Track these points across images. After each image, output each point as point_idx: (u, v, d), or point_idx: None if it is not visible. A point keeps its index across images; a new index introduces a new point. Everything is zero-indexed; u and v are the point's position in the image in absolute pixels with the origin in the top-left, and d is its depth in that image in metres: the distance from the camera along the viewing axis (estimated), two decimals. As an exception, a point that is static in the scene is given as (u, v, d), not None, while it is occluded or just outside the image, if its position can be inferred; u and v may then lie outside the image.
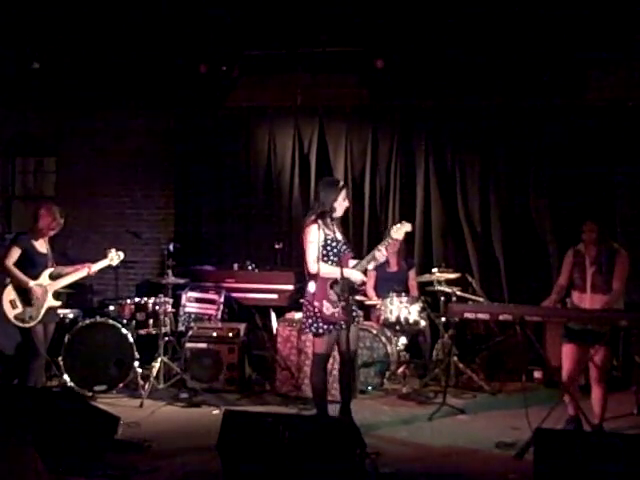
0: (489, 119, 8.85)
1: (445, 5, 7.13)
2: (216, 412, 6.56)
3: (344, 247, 5.87)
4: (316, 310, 5.73)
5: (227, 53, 8.59)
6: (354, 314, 5.90)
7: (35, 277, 6.62)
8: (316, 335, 5.80)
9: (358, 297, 6.14)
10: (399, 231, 5.93)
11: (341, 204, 5.85)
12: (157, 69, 8.72)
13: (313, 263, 5.71)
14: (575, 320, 5.70)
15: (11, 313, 6.51)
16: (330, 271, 5.70)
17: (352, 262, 5.94)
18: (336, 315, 5.69)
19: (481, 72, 8.31)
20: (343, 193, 5.86)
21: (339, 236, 5.89)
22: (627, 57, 7.99)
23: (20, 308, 6.53)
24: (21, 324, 6.51)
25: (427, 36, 7.81)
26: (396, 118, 9.16)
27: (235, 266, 8.72)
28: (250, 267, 8.60)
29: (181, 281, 7.85)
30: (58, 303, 6.84)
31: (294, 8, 7.18)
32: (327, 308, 5.70)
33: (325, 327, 5.72)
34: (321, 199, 5.84)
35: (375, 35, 7.91)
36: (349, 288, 5.72)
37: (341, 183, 6.02)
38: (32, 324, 6.53)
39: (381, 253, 5.79)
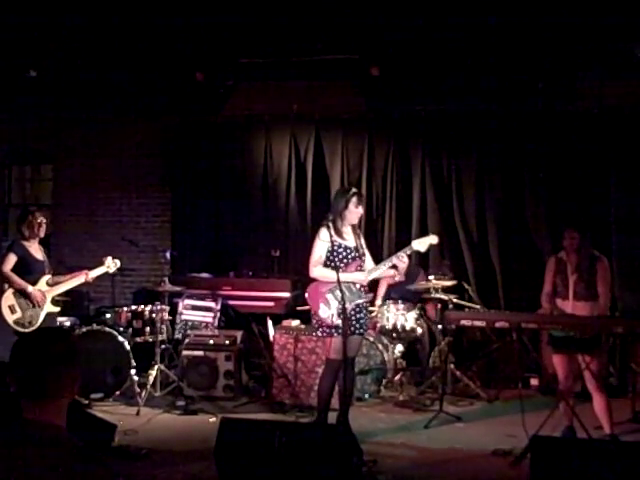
0: (485, 126, 8.87)
1: (440, 12, 7.14)
2: (213, 420, 6.56)
3: (353, 254, 5.89)
4: (314, 314, 5.83)
5: (223, 61, 8.60)
6: (361, 322, 5.89)
7: (33, 283, 6.65)
8: (322, 338, 5.89)
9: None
10: (422, 243, 5.93)
11: (352, 211, 5.88)
12: (153, 77, 8.73)
13: (311, 266, 5.83)
14: (570, 327, 5.70)
15: (10, 318, 6.54)
16: (325, 275, 5.77)
17: (370, 264, 5.98)
18: (332, 319, 5.71)
19: (476, 79, 8.33)
20: (354, 200, 5.88)
21: (351, 244, 5.91)
22: (623, 64, 8.02)
23: (19, 313, 6.56)
24: (21, 329, 6.53)
25: (422, 43, 7.83)
26: (392, 125, 9.19)
27: (232, 274, 8.72)
28: (247, 275, 8.61)
29: (178, 289, 7.84)
30: (57, 309, 6.87)
31: (289, 16, 7.19)
32: (323, 311, 5.75)
33: (328, 330, 5.77)
34: (332, 209, 5.91)
35: (371, 42, 7.93)
36: (353, 293, 5.76)
37: (352, 191, 6.01)
38: (31, 329, 6.53)
39: (401, 261, 5.82)
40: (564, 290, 5.93)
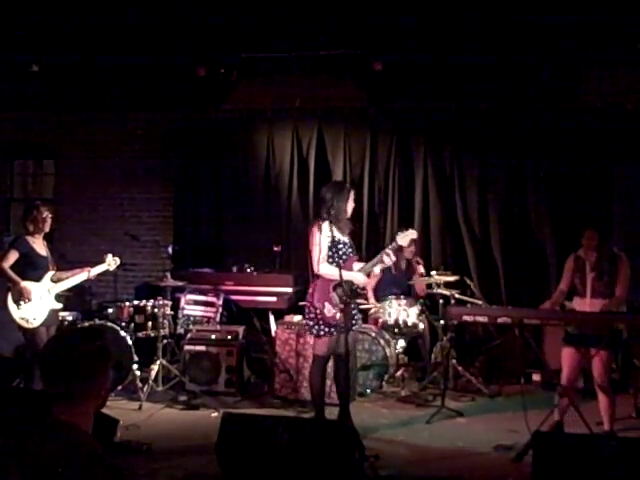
0: (487, 121, 8.86)
1: (443, 8, 7.13)
2: (215, 415, 6.56)
3: (350, 250, 5.93)
4: (317, 312, 5.80)
5: (225, 56, 8.59)
6: (356, 318, 5.96)
7: (37, 279, 6.65)
8: (317, 337, 5.86)
9: (359, 300, 6.15)
10: (404, 238, 5.96)
11: (350, 205, 5.96)
12: (156, 72, 8.73)
13: (317, 263, 5.80)
14: (573, 322, 5.69)
15: (16, 313, 6.55)
16: (332, 272, 5.76)
17: (357, 265, 5.99)
18: (337, 317, 5.72)
19: (479, 74, 8.32)
20: (352, 195, 5.97)
21: (346, 239, 5.95)
22: (626, 60, 8.01)
23: (24, 309, 6.56)
24: (25, 324, 6.54)
25: (425, 38, 7.82)
26: (394, 120, 9.18)
27: (234, 269, 8.72)
28: (249, 270, 8.61)
29: (180, 283, 7.85)
30: (59, 305, 6.87)
31: (292, 11, 7.19)
32: (328, 310, 5.76)
33: (326, 329, 5.79)
34: (333, 203, 5.87)
35: (373, 38, 7.92)
36: (352, 291, 5.77)
37: (348, 185, 6.17)
38: (35, 325, 6.55)
39: (389, 258, 5.83)
40: (582, 288, 5.92)
